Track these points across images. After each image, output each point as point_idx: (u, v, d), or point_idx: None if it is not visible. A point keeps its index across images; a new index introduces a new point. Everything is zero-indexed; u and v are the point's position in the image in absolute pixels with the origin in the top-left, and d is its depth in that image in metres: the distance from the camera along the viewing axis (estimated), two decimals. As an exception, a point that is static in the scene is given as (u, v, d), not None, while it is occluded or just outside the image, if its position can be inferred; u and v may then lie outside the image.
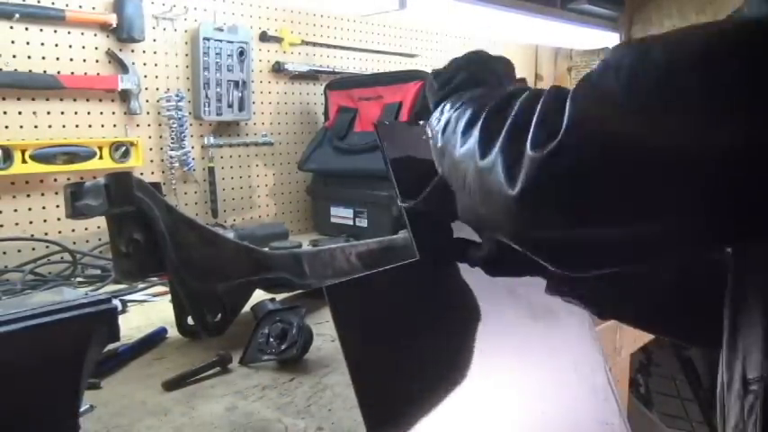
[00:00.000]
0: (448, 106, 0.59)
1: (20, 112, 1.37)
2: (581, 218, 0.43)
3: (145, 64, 1.56)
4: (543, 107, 0.44)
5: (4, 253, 1.35)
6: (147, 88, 1.56)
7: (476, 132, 0.51)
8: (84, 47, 1.45)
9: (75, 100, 1.45)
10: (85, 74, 1.46)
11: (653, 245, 0.42)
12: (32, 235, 1.39)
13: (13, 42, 1.34)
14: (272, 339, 0.90)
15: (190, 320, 0.98)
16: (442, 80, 0.64)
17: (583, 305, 0.68)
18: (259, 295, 1.05)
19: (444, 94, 0.63)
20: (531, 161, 0.43)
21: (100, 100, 1.49)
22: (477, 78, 0.63)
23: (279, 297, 1.12)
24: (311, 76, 1.94)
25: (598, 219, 0.42)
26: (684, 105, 0.36)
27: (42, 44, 1.39)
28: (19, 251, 1.36)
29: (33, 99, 1.38)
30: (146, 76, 1.56)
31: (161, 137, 1.61)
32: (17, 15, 1.32)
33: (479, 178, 0.50)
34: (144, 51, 1.56)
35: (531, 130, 0.44)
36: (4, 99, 1.34)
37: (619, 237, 0.42)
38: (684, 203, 0.38)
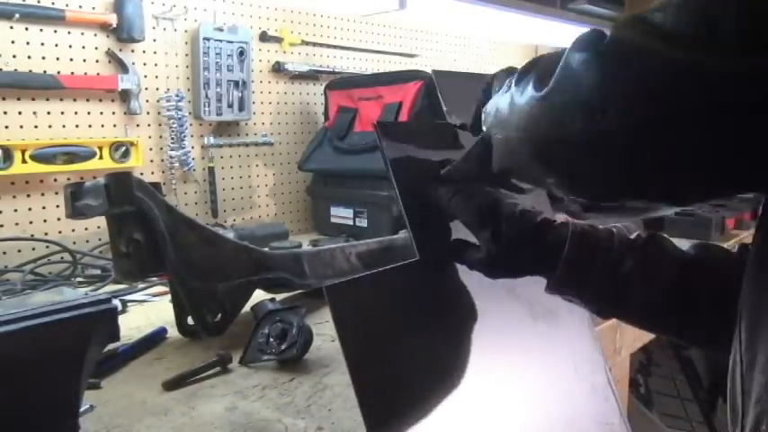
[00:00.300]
0: (505, 87, 0.60)
1: (20, 112, 1.37)
2: (600, 113, 0.43)
3: (145, 64, 1.56)
4: (584, 35, 0.46)
5: (4, 253, 1.35)
6: (147, 88, 1.56)
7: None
8: (84, 47, 1.45)
9: (75, 100, 1.45)
10: (85, 74, 1.46)
11: (666, 156, 0.42)
12: (32, 235, 1.39)
13: (13, 42, 1.34)
14: (272, 339, 0.90)
15: (190, 320, 0.98)
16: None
17: (583, 304, 0.68)
18: (259, 295, 1.05)
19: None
20: (561, 68, 0.46)
21: (100, 100, 1.49)
22: None
23: (279, 297, 1.12)
24: (311, 76, 1.94)
25: (619, 119, 0.43)
26: (722, 36, 0.37)
27: (42, 44, 1.39)
28: (19, 251, 1.36)
29: (33, 99, 1.38)
30: (146, 76, 1.56)
31: (161, 137, 1.61)
32: (17, 15, 1.32)
33: (512, 103, 0.53)
34: (144, 51, 1.56)
35: (569, 47, 0.46)
36: (4, 99, 1.34)
37: (630, 140, 0.43)
38: (708, 120, 0.39)
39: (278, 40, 1.85)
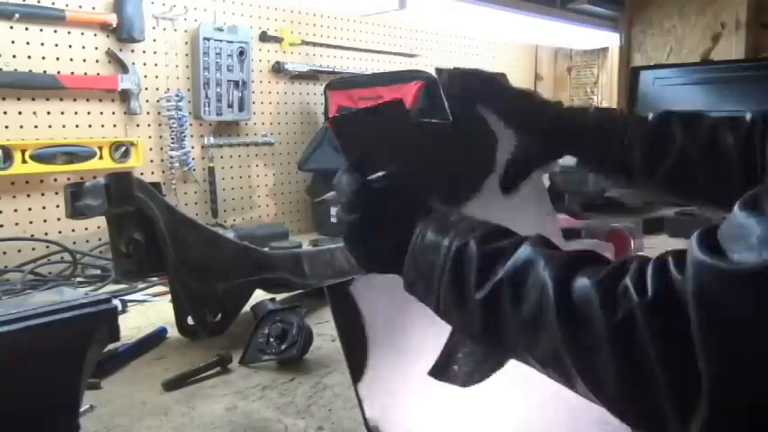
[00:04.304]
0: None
1: (20, 112, 1.37)
2: None
3: (145, 64, 1.56)
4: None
5: (4, 253, 1.35)
6: (147, 88, 1.56)
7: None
8: (84, 47, 1.45)
9: (75, 100, 1.45)
10: (85, 74, 1.46)
11: None
12: (32, 235, 1.39)
13: (13, 42, 1.34)
14: (272, 339, 0.90)
15: (190, 320, 0.98)
16: None
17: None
18: (259, 295, 1.05)
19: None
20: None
21: (100, 100, 1.49)
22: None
23: (279, 297, 1.12)
24: (311, 76, 1.94)
25: None
26: None
27: (42, 44, 1.39)
28: (19, 251, 1.36)
29: (33, 99, 1.38)
30: (146, 76, 1.56)
31: (161, 137, 1.61)
32: (17, 15, 1.32)
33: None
34: (144, 51, 1.56)
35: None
36: (4, 99, 1.34)
37: None
38: None
39: (278, 40, 1.85)
